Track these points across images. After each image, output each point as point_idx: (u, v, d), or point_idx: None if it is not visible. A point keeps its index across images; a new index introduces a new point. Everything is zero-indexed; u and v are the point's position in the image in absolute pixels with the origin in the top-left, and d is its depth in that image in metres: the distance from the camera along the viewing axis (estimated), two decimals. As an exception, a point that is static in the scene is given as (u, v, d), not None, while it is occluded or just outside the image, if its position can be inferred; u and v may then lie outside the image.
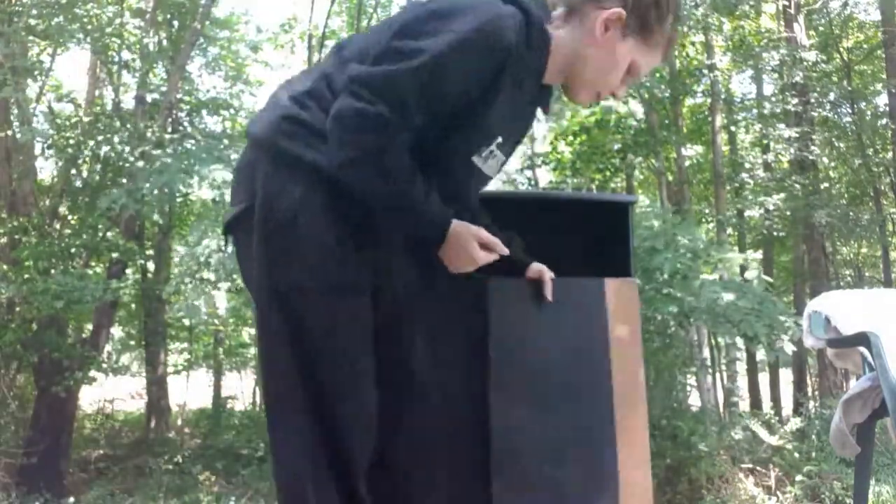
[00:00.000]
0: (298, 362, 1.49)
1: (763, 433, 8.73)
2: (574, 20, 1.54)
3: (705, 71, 11.11)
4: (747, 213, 11.51)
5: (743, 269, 7.64)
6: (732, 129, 12.60)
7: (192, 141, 8.90)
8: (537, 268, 1.83)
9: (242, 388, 14.73)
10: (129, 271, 10.43)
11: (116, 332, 13.04)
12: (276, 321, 1.50)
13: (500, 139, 1.61)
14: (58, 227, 10.35)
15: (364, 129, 1.42)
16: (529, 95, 1.62)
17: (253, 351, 14.40)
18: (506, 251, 1.63)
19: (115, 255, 9.54)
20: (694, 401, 9.83)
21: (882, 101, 11.35)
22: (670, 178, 11.42)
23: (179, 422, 13.20)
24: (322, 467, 1.50)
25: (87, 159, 10.23)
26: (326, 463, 1.50)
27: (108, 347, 11.21)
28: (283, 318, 1.49)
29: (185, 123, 11.33)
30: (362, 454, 1.53)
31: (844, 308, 2.15)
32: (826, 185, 11.73)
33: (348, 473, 1.51)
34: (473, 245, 1.56)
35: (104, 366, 9.91)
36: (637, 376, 1.78)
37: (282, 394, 1.53)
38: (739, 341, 8.62)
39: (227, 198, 7.49)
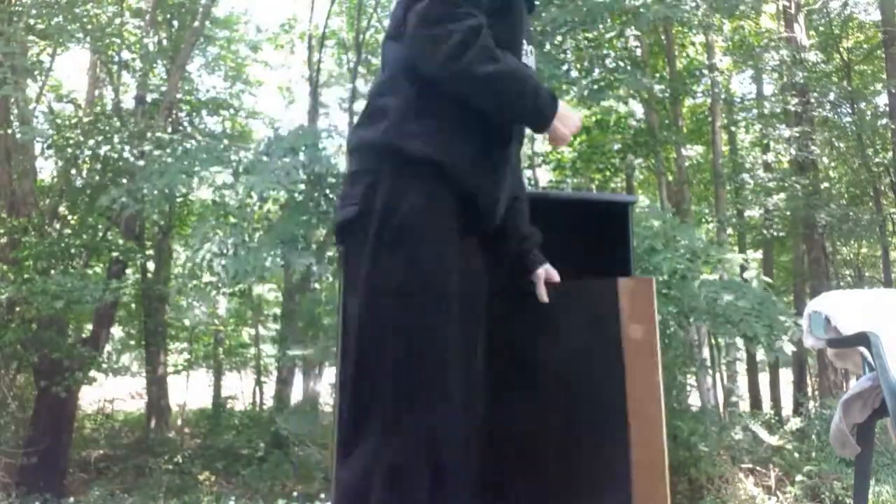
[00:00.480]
0: (404, 364, 1.50)
1: (763, 433, 8.74)
2: None
3: (705, 71, 11.11)
4: (747, 213, 11.50)
5: (742, 269, 7.64)
6: (732, 129, 12.60)
7: (192, 141, 8.90)
8: (541, 270, 1.87)
9: (242, 388, 14.71)
10: (129, 271, 10.43)
11: (116, 332, 13.04)
12: (393, 321, 1.52)
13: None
14: (58, 227, 10.35)
15: (448, 19, 1.51)
16: None
17: (252, 351, 14.40)
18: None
19: (115, 254, 9.53)
20: (694, 401, 9.82)
21: (882, 101, 11.34)
22: (670, 178, 11.42)
23: (179, 422, 13.20)
24: (404, 477, 1.47)
25: (87, 159, 10.23)
26: (409, 473, 1.48)
27: (108, 347, 11.20)
28: (399, 319, 1.52)
29: (185, 123, 11.34)
30: (457, 465, 1.52)
31: (844, 308, 2.15)
32: (826, 185, 11.72)
33: (438, 484, 1.49)
34: (571, 109, 1.65)
35: (104, 366, 9.90)
36: (652, 376, 1.77)
37: (381, 397, 1.51)
38: (739, 341, 8.62)
39: (231, 195, 7.48)
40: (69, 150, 9.76)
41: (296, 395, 13.43)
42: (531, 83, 1.58)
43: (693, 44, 12.25)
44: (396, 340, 1.52)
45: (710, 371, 10.71)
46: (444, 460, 1.51)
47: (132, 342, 13.75)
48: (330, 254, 8.78)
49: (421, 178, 1.55)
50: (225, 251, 7.39)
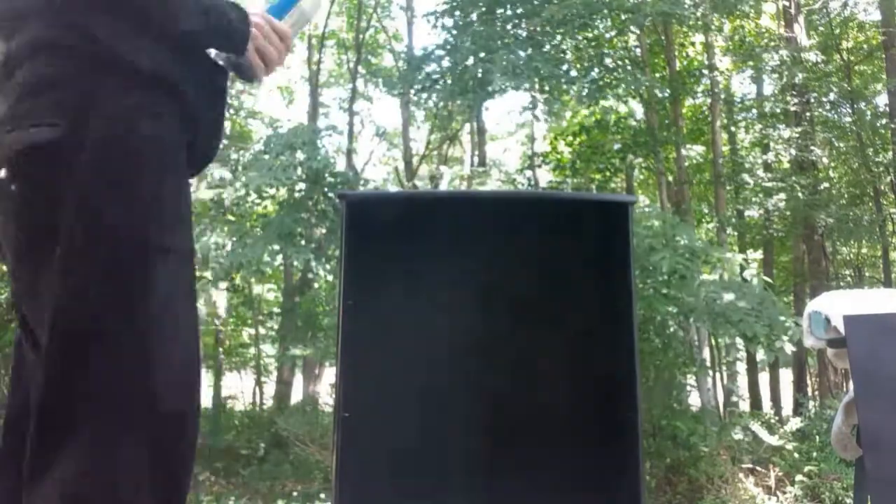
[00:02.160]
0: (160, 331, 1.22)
1: (763, 433, 8.73)
2: None
3: (705, 71, 11.12)
4: (747, 213, 11.51)
5: (742, 268, 7.65)
6: (732, 129, 12.60)
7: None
8: None
9: (242, 388, 14.73)
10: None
11: (116, 331, 13.01)
12: (158, 284, 1.19)
13: None
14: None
15: None
16: None
17: (252, 351, 14.40)
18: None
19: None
20: (694, 401, 9.83)
21: (882, 101, 11.35)
22: (670, 178, 11.42)
23: (179, 422, 13.18)
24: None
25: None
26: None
27: (107, 347, 11.17)
28: (161, 280, 1.19)
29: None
30: None
31: (844, 308, 2.15)
32: (826, 185, 11.72)
33: None
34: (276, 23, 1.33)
35: (104, 366, 9.88)
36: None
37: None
38: (739, 342, 8.62)
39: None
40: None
41: (296, 395, 13.44)
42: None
43: (693, 44, 12.26)
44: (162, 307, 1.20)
45: (710, 371, 10.71)
46: None
47: (132, 342, 13.73)
48: (329, 252, 8.79)
49: (155, 100, 1.18)
50: (222, 247, 7.41)
